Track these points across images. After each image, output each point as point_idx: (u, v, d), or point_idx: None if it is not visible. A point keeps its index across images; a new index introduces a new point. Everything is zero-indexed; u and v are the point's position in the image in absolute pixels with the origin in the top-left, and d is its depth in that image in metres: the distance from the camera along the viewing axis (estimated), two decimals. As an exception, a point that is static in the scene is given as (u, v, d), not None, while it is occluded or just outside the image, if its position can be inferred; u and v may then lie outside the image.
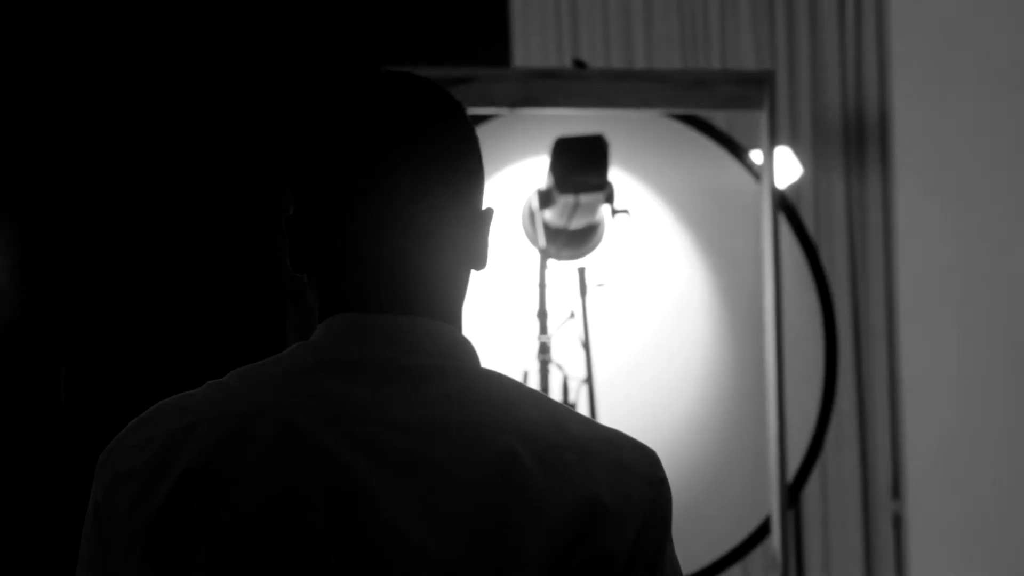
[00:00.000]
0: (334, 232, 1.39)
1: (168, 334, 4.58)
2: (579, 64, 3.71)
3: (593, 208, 3.59)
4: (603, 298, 3.76)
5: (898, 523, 5.48)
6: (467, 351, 1.49)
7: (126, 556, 1.33)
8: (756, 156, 3.94)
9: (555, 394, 3.59)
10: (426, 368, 1.40)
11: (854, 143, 5.50)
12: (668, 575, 1.40)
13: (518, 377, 3.51)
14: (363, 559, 1.31)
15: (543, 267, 3.66)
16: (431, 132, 1.42)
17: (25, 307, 4.56)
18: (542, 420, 1.40)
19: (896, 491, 5.50)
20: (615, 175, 3.60)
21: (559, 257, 3.66)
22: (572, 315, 3.64)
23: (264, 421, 1.33)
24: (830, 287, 3.96)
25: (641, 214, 3.77)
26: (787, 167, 5.09)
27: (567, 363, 3.62)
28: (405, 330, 1.41)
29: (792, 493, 3.85)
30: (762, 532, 3.86)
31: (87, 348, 4.59)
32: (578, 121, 3.73)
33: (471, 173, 1.49)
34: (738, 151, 3.94)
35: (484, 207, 1.52)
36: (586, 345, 3.63)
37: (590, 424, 1.46)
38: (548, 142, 3.58)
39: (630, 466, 1.43)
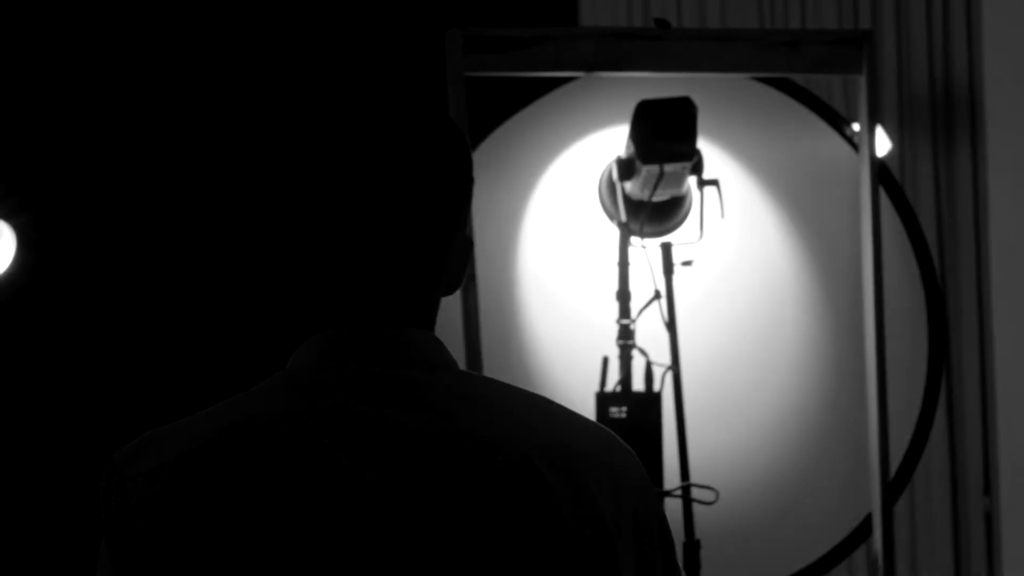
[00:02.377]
0: (321, 248, 1.41)
1: (172, 336, 4.46)
2: (661, 24, 3.39)
3: (679, 179, 3.30)
4: (689, 278, 3.43)
5: (989, 520, 5.15)
6: (453, 359, 1.49)
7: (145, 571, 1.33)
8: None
9: (638, 382, 3.29)
10: (431, 378, 1.41)
11: (942, 115, 5.16)
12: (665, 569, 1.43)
13: (598, 364, 3.22)
14: (376, 568, 1.32)
15: (624, 244, 3.38)
16: (424, 166, 1.43)
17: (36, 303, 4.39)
18: (547, 425, 1.42)
19: (987, 488, 5.17)
20: (699, 144, 3.29)
21: (641, 233, 3.36)
22: (657, 296, 3.32)
23: (275, 434, 1.34)
24: (935, 266, 3.64)
25: (730, 186, 3.45)
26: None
27: (651, 348, 3.33)
28: (405, 341, 1.42)
29: (895, 490, 3.53)
30: (860, 533, 3.54)
31: (93, 347, 4.42)
32: (660, 85, 3.42)
33: (456, 204, 1.48)
34: (834, 118, 3.61)
35: (465, 238, 1.51)
36: (671, 329, 3.34)
37: (587, 426, 1.47)
38: (628, 108, 3.30)
39: (626, 474, 1.43)
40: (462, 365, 3.05)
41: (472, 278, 3.30)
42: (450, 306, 3.13)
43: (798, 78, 3.65)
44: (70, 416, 4.42)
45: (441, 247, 1.46)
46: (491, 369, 3.31)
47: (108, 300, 4.50)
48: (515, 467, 1.37)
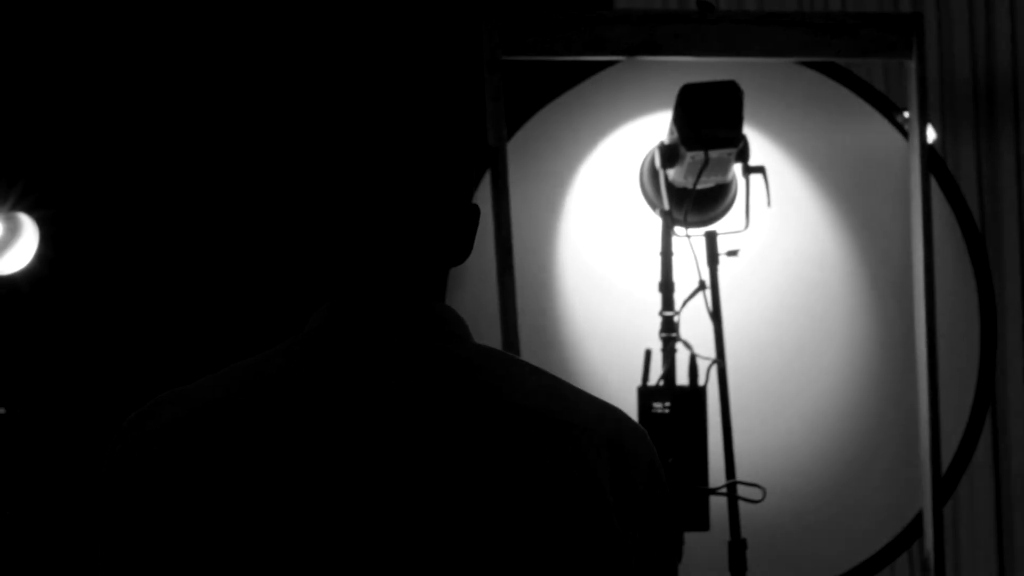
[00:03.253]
0: (333, 225, 1.41)
1: (184, 329, 4.41)
2: (704, 7, 3.27)
3: (724, 166, 3.18)
4: (734, 268, 3.32)
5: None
6: (463, 327, 1.46)
7: (152, 543, 1.32)
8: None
9: (682, 376, 3.18)
10: (429, 351, 1.39)
11: (984, 103, 5.03)
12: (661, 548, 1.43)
13: (640, 358, 3.14)
14: (399, 545, 1.29)
15: (667, 234, 3.27)
16: (417, 140, 1.42)
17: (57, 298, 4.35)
18: (569, 398, 1.41)
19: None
20: (744, 130, 3.18)
21: (685, 222, 3.25)
22: (702, 286, 3.22)
23: (296, 408, 1.33)
24: (988, 257, 3.52)
25: (775, 173, 3.34)
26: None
27: (695, 341, 3.21)
28: (440, 314, 1.42)
29: (946, 487, 3.42)
30: (910, 532, 3.42)
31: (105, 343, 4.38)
32: (702, 69, 3.32)
33: (458, 172, 1.45)
34: (883, 103, 3.49)
35: (470, 204, 1.50)
36: (716, 321, 3.22)
37: (596, 400, 1.46)
38: (671, 93, 3.19)
39: (634, 451, 1.42)
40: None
41: (509, 269, 3.20)
42: (487, 298, 3.13)
43: (843, 63, 3.52)
44: (91, 408, 4.35)
45: (448, 216, 1.45)
46: (530, 361, 3.19)
47: (128, 293, 4.43)
48: (561, 437, 1.36)
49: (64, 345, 4.40)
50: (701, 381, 3.16)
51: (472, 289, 3.28)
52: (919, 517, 3.38)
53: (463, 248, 1.49)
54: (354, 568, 1.30)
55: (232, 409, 1.36)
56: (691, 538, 3.09)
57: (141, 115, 4.42)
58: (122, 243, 4.43)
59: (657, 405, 3.08)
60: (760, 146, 3.38)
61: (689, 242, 3.23)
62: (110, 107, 4.41)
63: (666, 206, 3.25)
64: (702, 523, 3.04)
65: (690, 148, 3.11)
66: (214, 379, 1.42)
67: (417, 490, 1.33)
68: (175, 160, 4.43)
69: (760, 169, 3.23)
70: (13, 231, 4.07)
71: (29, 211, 4.10)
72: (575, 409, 1.42)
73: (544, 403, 1.40)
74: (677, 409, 3.07)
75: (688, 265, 3.25)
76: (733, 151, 3.14)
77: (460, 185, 1.48)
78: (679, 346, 3.19)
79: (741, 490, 3.14)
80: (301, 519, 1.30)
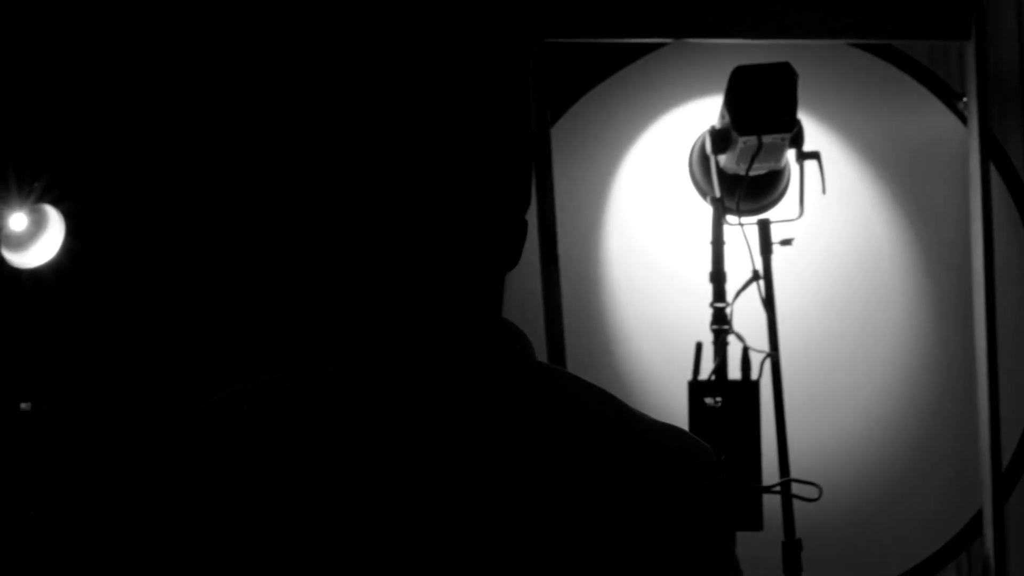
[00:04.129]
0: (380, 235, 1.31)
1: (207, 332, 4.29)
2: (755, -13, 3.16)
3: (778, 152, 3.07)
4: (787, 258, 3.21)
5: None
6: (530, 347, 1.37)
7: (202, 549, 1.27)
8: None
9: (734, 370, 3.08)
10: (502, 373, 1.31)
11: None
12: None
13: (690, 351, 3.04)
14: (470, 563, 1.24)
15: (718, 222, 3.16)
16: (477, 145, 1.30)
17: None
18: (623, 418, 1.33)
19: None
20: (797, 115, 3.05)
21: (738, 210, 3.14)
22: (755, 277, 3.11)
23: (378, 424, 1.27)
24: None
25: (829, 159, 3.22)
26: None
27: (747, 334, 3.10)
28: (512, 331, 1.33)
29: (1007, 483, 3.29)
30: (970, 531, 3.30)
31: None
32: (754, 52, 3.21)
33: (524, 180, 1.36)
34: (940, 87, 3.37)
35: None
36: (770, 312, 3.11)
37: (654, 423, 1.37)
38: (722, 76, 3.08)
39: (694, 471, 1.34)
40: (543, 352, 2.98)
41: (554, 260, 3.12)
42: (530, 289, 3.03)
43: (898, 44, 3.40)
44: (117, 404, 4.24)
45: (512, 227, 1.35)
46: (575, 358, 3.13)
47: (155, 287, 4.32)
48: (642, 449, 1.31)
49: (90, 340, 4.31)
50: (754, 375, 3.06)
51: (512, 282, 3.18)
52: (978, 516, 3.26)
53: (517, 251, 1.38)
54: None
55: (308, 419, 1.30)
56: (744, 538, 2.93)
57: (172, 106, 4.32)
58: (150, 237, 4.33)
59: (708, 400, 3.00)
60: (813, 131, 3.27)
61: (742, 230, 3.12)
62: (139, 98, 4.31)
63: (717, 193, 3.15)
64: (755, 523, 2.96)
65: (742, 133, 3.01)
66: (279, 384, 1.34)
67: (515, 517, 1.27)
68: (206, 154, 4.33)
69: (815, 155, 3.12)
70: (39, 224, 3.99)
71: (55, 204, 4.01)
72: (650, 425, 1.36)
73: (619, 415, 1.34)
74: (729, 404, 3.00)
75: (740, 255, 3.15)
76: (787, 136, 3.03)
77: (522, 182, 1.37)
78: (731, 339, 3.09)
79: (796, 488, 3.04)
80: (375, 543, 1.26)
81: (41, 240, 3.99)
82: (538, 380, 1.32)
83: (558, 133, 3.20)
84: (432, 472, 1.26)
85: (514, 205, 1.35)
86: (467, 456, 1.27)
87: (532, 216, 3.11)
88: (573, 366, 3.05)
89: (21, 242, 3.96)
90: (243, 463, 1.29)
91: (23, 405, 4.10)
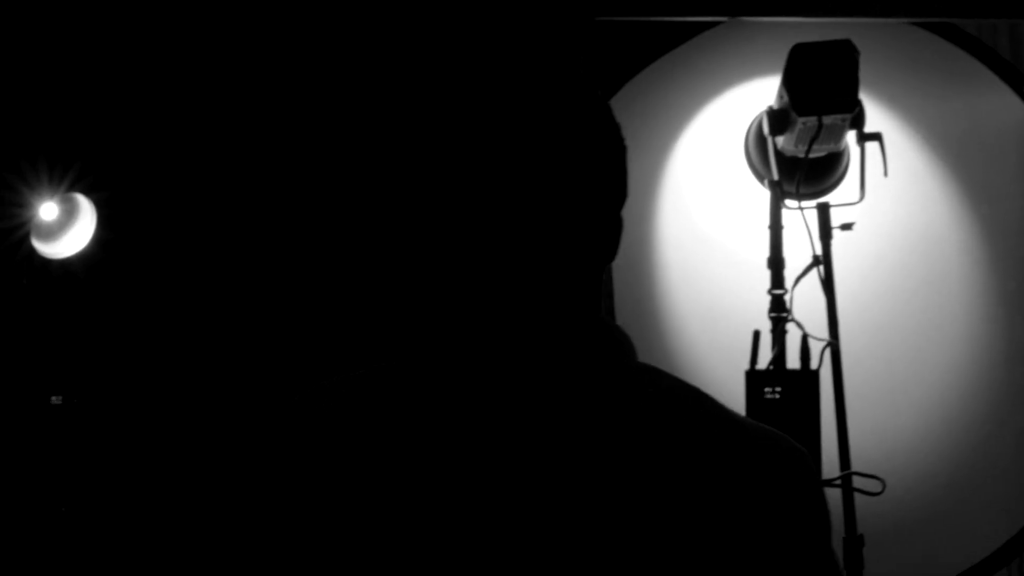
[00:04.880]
0: (466, 229, 1.27)
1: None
2: (813, -38, 3.06)
3: (838, 133, 2.98)
4: (847, 243, 3.10)
5: None
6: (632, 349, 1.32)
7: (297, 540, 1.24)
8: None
9: (793, 359, 2.98)
10: (625, 369, 1.27)
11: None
12: None
13: (748, 339, 2.96)
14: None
15: (776, 206, 3.06)
16: (574, 136, 1.27)
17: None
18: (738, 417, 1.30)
19: None
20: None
21: (797, 193, 3.04)
22: (816, 262, 3.01)
23: (460, 418, 1.23)
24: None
25: (890, 142, 3.12)
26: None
27: (807, 321, 2.99)
28: (619, 336, 1.29)
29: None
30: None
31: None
32: (812, 30, 3.11)
33: (614, 176, 1.32)
34: (1006, 69, 3.26)
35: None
36: (830, 300, 3.01)
37: (756, 428, 1.31)
38: (779, 55, 2.97)
39: (798, 467, 1.30)
40: None
41: None
42: None
43: (959, 23, 3.29)
44: (150, 397, 4.19)
45: (607, 221, 1.31)
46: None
47: (189, 278, 4.25)
48: (750, 452, 1.26)
49: (122, 332, 4.24)
50: (814, 364, 2.97)
51: None
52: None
53: (613, 246, 1.33)
54: None
55: (399, 418, 1.26)
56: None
57: (215, 93, 4.24)
58: (185, 226, 4.26)
59: (767, 390, 2.91)
60: (873, 112, 3.17)
61: (802, 214, 3.02)
62: (177, 84, 4.24)
63: (775, 176, 3.05)
64: None
65: (802, 113, 2.91)
66: (370, 380, 1.29)
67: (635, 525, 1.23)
68: (247, 142, 4.25)
69: (876, 136, 3.02)
70: (70, 213, 3.96)
71: (86, 193, 3.96)
72: (757, 426, 1.32)
73: (732, 416, 1.30)
74: (788, 394, 2.91)
75: (799, 240, 3.05)
76: (848, 116, 2.93)
77: (617, 175, 1.33)
78: (790, 326, 3.01)
79: (858, 482, 2.94)
80: (461, 546, 1.22)
81: (72, 230, 3.96)
82: (636, 383, 1.26)
83: (609, 114, 3.08)
84: (523, 478, 1.22)
85: (609, 198, 1.31)
86: (561, 462, 1.23)
87: None
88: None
89: (52, 232, 3.93)
90: (337, 456, 1.26)
91: (54, 399, 4.05)
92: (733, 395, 2.96)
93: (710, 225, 3.23)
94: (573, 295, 1.28)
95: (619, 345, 1.29)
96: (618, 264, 3.00)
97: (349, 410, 1.27)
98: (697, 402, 1.28)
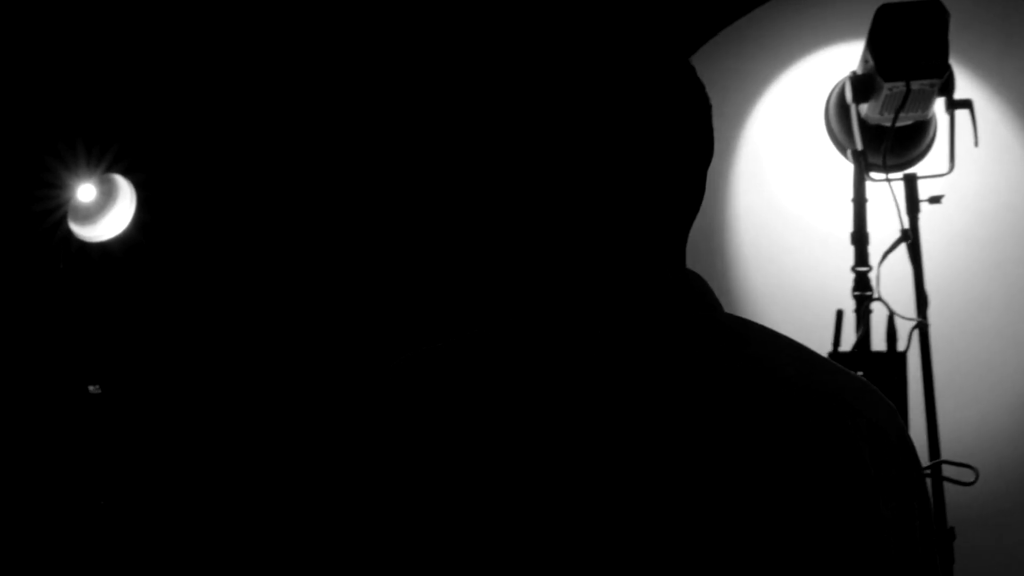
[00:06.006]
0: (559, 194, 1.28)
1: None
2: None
3: (926, 99, 2.85)
4: (937, 217, 3.00)
5: None
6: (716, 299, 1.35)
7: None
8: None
9: (878, 340, 2.87)
10: (725, 324, 1.29)
11: None
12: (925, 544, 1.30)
13: (830, 320, 2.89)
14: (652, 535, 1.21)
15: (860, 178, 2.94)
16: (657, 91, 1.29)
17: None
18: (833, 375, 1.31)
19: None
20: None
21: (883, 165, 2.90)
22: (904, 237, 2.88)
23: (564, 392, 1.24)
24: None
25: (980, 109, 2.98)
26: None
27: (893, 300, 2.87)
28: (700, 288, 1.32)
29: None
30: None
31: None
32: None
33: (697, 133, 1.32)
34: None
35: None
36: (918, 277, 2.89)
37: (842, 371, 1.34)
38: (861, 17, 2.88)
39: (886, 431, 1.29)
40: None
41: None
42: None
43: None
44: (190, 386, 4.20)
45: (691, 178, 1.31)
46: None
47: (231, 263, 4.25)
48: (840, 422, 1.25)
49: (162, 318, 4.25)
50: (901, 346, 2.87)
51: None
52: None
53: (696, 203, 1.34)
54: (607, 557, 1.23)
55: (492, 384, 1.27)
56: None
57: (255, 67, 4.21)
58: (227, 208, 4.25)
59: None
60: (962, 80, 3.03)
61: (889, 186, 2.89)
62: (218, 58, 4.21)
63: (859, 146, 2.92)
64: None
65: (888, 78, 2.79)
66: (464, 349, 1.31)
67: (694, 479, 1.23)
68: (290, 117, 4.21)
69: (967, 103, 2.89)
70: (108, 195, 3.91)
71: (125, 174, 3.91)
72: (845, 385, 1.30)
73: (818, 379, 1.29)
74: (874, 377, 2.62)
75: (884, 213, 2.94)
76: (937, 82, 2.81)
77: (700, 132, 1.34)
78: (875, 306, 2.90)
79: (948, 471, 2.81)
80: (557, 507, 1.23)
81: (111, 212, 3.90)
82: (726, 338, 1.28)
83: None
84: (611, 443, 1.24)
85: (694, 155, 1.32)
86: (649, 425, 1.24)
87: None
88: None
89: (90, 214, 3.89)
90: (438, 423, 1.27)
91: (91, 388, 4.00)
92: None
93: (788, 199, 3.12)
94: (661, 252, 1.30)
95: (703, 297, 1.30)
96: (690, 240, 2.88)
97: (451, 381, 1.28)
98: (786, 365, 1.29)
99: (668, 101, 1.29)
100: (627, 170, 1.27)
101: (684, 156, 1.29)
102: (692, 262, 2.93)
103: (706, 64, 3.11)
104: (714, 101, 3.03)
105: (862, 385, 1.32)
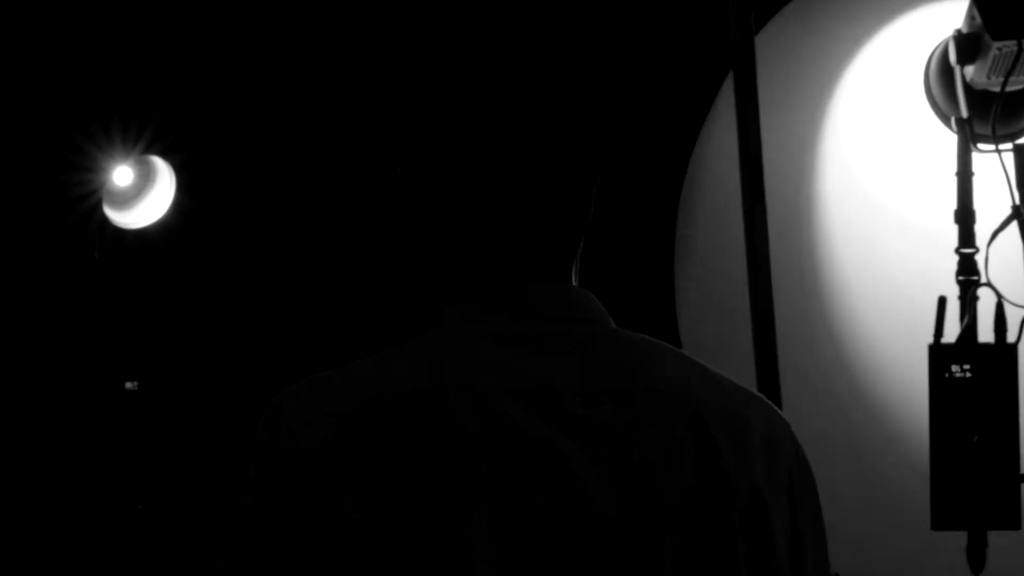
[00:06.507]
0: (465, 202, 1.44)
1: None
2: None
3: (1041, 61, 2.76)
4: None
5: None
6: (607, 314, 1.48)
7: (306, 532, 1.36)
8: None
9: (985, 331, 2.74)
10: (588, 334, 1.43)
11: None
12: (816, 550, 1.44)
13: (930, 308, 2.77)
14: (568, 535, 1.35)
15: (965, 149, 2.84)
16: (557, 111, 1.44)
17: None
18: (709, 385, 1.43)
19: None
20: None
21: (992, 134, 2.78)
22: (1015, 214, 2.74)
23: (453, 396, 1.38)
24: None
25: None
26: None
27: (1003, 286, 2.77)
28: (559, 298, 1.45)
29: None
30: None
31: None
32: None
33: (590, 150, 1.46)
34: None
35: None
36: (1033, 259, 2.80)
37: (740, 388, 1.45)
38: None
39: (781, 441, 1.43)
40: (745, 311, 2.72)
41: (760, 199, 2.75)
42: (729, 236, 2.81)
43: None
44: (233, 383, 4.11)
45: (586, 197, 1.46)
46: (783, 315, 2.84)
47: (278, 252, 4.16)
48: (691, 424, 1.39)
49: (203, 311, 4.16)
50: (1011, 336, 2.77)
51: (709, 224, 2.94)
52: None
53: (581, 223, 1.47)
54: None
55: (394, 402, 1.39)
56: (997, 539, 2.75)
57: (298, 43, 4.11)
58: (272, 193, 4.15)
59: (955, 368, 2.75)
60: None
61: (999, 157, 2.76)
62: (261, 31, 4.12)
63: (964, 114, 2.83)
64: (1012, 520, 2.71)
65: (997, 37, 2.71)
66: (363, 369, 1.43)
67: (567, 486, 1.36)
68: (332, 99, 4.12)
69: (1086, 64, 2.77)
70: (146, 177, 3.84)
71: (164, 155, 3.86)
72: (727, 394, 1.43)
73: (684, 389, 1.41)
74: (980, 372, 2.73)
75: (992, 188, 2.81)
76: (1051, 41, 2.74)
77: (600, 158, 1.47)
78: (982, 292, 2.80)
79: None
80: (459, 508, 1.35)
81: (148, 196, 3.84)
82: (614, 339, 1.42)
83: (762, 44, 2.91)
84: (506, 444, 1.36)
85: (579, 179, 1.44)
86: (542, 425, 1.36)
87: (729, 146, 2.80)
88: (782, 324, 2.75)
89: (126, 199, 3.83)
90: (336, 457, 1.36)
91: (128, 384, 3.95)
92: (913, 374, 2.84)
93: (882, 174, 2.99)
94: (562, 267, 1.44)
95: (586, 305, 1.43)
96: (774, 219, 2.84)
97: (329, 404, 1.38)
98: (651, 360, 1.41)
99: (547, 133, 1.42)
100: (505, 194, 1.41)
101: (562, 182, 1.42)
102: (778, 242, 2.77)
103: (790, 25, 3.01)
104: (801, 66, 2.89)
105: (761, 402, 1.44)
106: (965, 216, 2.79)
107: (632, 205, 3.05)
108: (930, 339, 2.77)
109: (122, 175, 3.68)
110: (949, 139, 2.88)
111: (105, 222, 3.71)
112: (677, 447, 1.36)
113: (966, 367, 2.71)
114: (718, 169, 2.88)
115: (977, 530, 2.76)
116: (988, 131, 2.77)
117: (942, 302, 2.76)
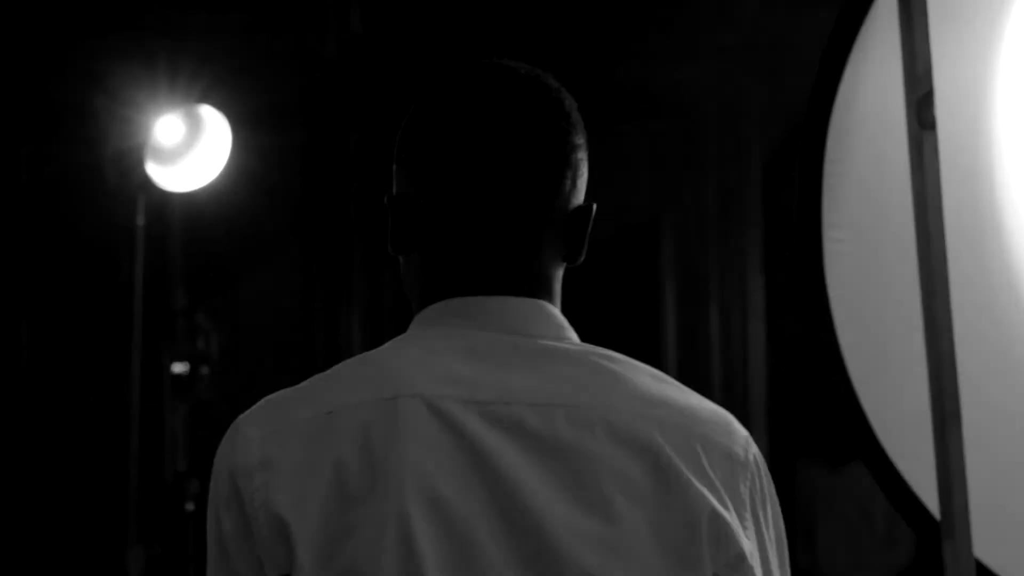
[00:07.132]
0: (440, 214, 1.49)
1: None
2: None
3: None
4: None
5: None
6: (571, 331, 1.52)
7: (266, 546, 1.37)
8: None
9: None
10: (548, 348, 1.48)
11: None
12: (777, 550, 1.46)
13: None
14: (522, 545, 1.38)
15: None
16: (539, 131, 1.48)
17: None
18: (667, 401, 1.48)
19: None
20: None
21: None
22: None
23: (407, 406, 1.42)
24: None
25: None
26: None
27: None
28: (518, 311, 1.51)
29: None
30: None
31: None
32: None
33: (573, 173, 1.51)
34: None
35: (585, 203, 1.53)
36: None
37: (699, 399, 1.49)
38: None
39: (739, 455, 1.45)
40: (912, 264, 2.36)
41: (930, 124, 2.31)
42: (898, 159, 2.35)
43: None
44: (284, 356, 4.29)
45: (541, 216, 1.48)
46: (956, 261, 2.40)
47: (337, 225, 4.26)
48: (647, 443, 1.41)
49: (259, 290, 4.30)
50: None
51: (860, 160, 2.50)
52: None
53: (575, 250, 1.48)
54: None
55: (359, 410, 1.42)
56: None
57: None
58: (342, 162, 4.21)
59: None
60: None
61: None
62: None
63: None
64: None
65: None
66: (319, 382, 1.43)
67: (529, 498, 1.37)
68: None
69: None
70: (197, 130, 3.68)
71: (219, 107, 3.72)
72: (687, 411, 1.45)
73: (640, 407, 1.44)
74: None
75: None
76: None
77: (556, 180, 1.47)
78: None
79: None
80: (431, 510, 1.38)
81: (198, 152, 3.72)
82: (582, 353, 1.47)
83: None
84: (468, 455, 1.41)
85: (542, 198, 1.48)
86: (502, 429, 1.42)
87: (891, 72, 2.35)
88: (956, 275, 2.30)
89: (173, 156, 3.70)
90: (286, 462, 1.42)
91: (176, 367, 4.05)
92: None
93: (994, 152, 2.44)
94: (537, 284, 1.50)
95: (552, 321, 1.49)
96: (947, 165, 2.33)
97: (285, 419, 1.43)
98: (615, 375, 1.46)
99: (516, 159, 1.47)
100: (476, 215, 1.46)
101: (525, 199, 1.47)
102: (950, 181, 2.33)
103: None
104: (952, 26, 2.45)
105: (722, 415, 1.49)
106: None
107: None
108: None
109: (168, 128, 3.62)
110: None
111: (147, 183, 3.64)
112: (632, 464, 1.39)
113: None
114: (865, 102, 2.46)
115: None
116: None
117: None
